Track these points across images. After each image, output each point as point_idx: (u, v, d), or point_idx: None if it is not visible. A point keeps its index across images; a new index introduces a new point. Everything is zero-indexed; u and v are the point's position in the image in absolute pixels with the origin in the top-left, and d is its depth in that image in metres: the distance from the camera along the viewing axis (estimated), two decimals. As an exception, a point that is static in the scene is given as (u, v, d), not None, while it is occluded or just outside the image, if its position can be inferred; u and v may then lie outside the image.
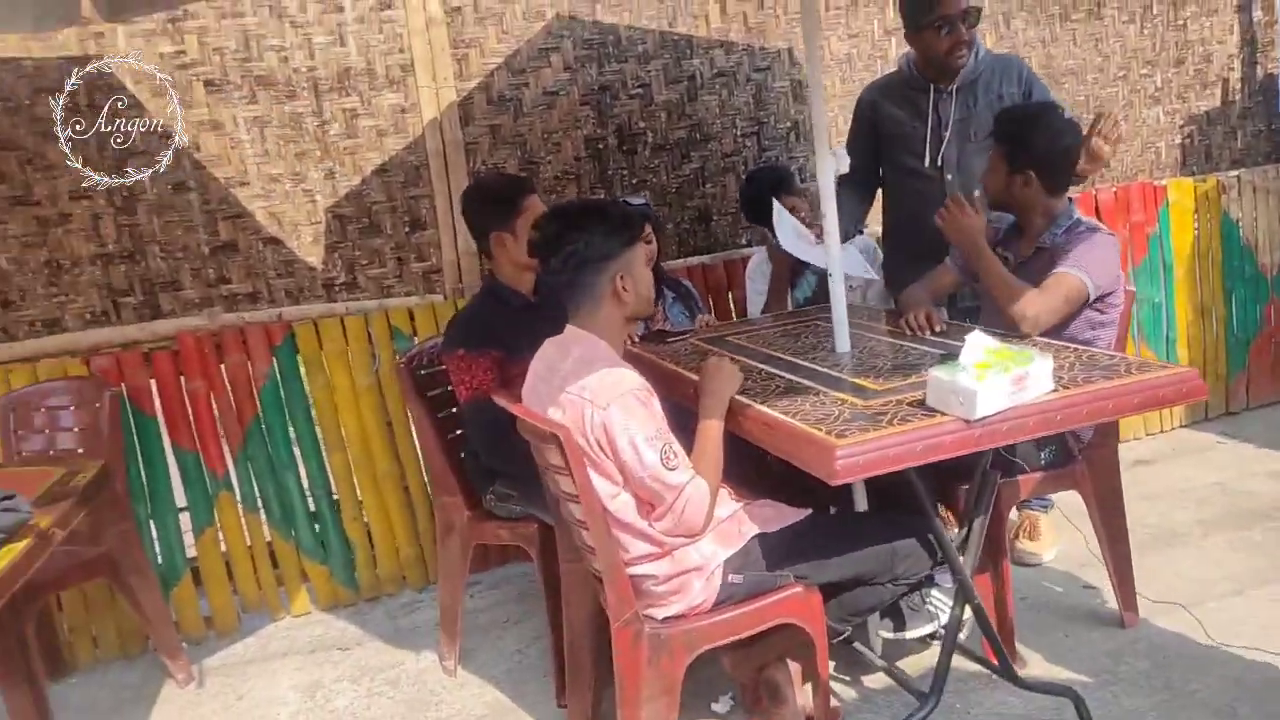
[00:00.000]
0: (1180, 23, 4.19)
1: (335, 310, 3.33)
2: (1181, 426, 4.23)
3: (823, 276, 3.26)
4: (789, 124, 3.78)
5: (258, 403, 3.26)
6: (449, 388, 2.73)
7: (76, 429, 2.98)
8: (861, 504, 2.41)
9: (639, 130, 3.61)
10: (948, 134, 3.02)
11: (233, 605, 3.34)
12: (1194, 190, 4.09)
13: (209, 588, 3.30)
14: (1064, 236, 2.48)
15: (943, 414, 1.81)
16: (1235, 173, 4.21)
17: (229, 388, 3.24)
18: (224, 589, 3.32)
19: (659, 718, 1.98)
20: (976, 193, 2.59)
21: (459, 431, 2.80)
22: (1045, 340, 2.32)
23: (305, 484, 3.39)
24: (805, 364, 2.34)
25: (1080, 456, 2.59)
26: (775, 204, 2.95)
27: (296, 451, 3.35)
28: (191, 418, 3.22)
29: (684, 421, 2.11)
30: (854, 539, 2.08)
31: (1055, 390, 1.88)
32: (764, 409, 1.99)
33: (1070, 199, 2.61)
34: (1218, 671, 2.44)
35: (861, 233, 3.36)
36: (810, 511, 2.12)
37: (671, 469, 1.91)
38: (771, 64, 3.71)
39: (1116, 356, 2.09)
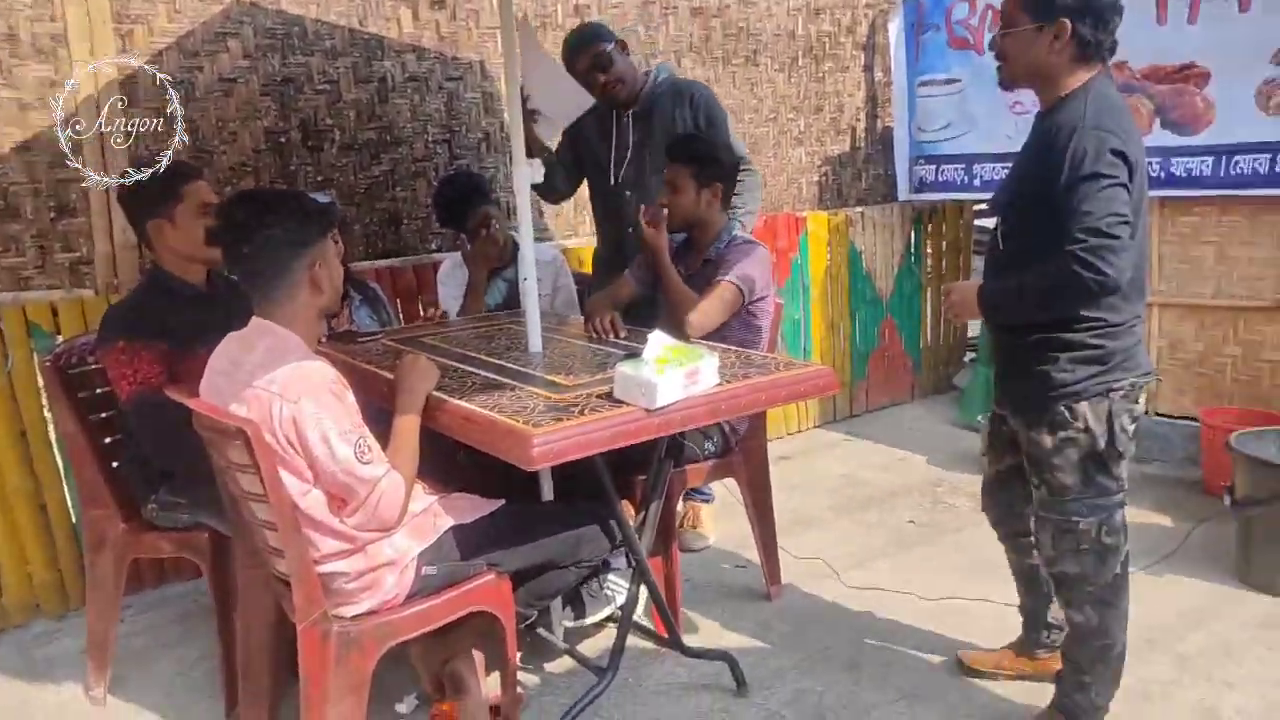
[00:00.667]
0: (820, 75, 4.82)
1: (-41, 302, 2.91)
2: (815, 426, 4.86)
3: (513, 283, 3.41)
4: (481, 134, 3.87)
5: None
6: (103, 388, 2.50)
7: None
8: (548, 494, 2.53)
9: (325, 127, 3.51)
10: (628, 155, 3.29)
11: None
12: (828, 222, 4.72)
13: None
14: (726, 250, 2.79)
15: (628, 404, 1.98)
16: (860, 209, 4.92)
17: None
18: None
19: (346, 718, 1.96)
20: (664, 211, 2.82)
21: (113, 438, 2.56)
22: (709, 343, 2.59)
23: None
24: (501, 362, 2.43)
25: (737, 448, 2.91)
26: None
27: (-98, 465, 2.88)
28: None
29: (381, 418, 2.11)
30: (542, 526, 2.20)
31: (720, 384, 2.12)
32: (462, 403, 2.05)
33: (729, 216, 2.95)
34: (846, 631, 2.85)
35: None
36: (504, 502, 2.21)
37: (366, 463, 1.91)
38: (464, 74, 3.78)
39: (769, 356, 2.40)
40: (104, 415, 2.59)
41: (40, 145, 3.00)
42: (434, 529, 2.08)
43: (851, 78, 4.94)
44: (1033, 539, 2.26)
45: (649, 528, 2.36)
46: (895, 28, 4.66)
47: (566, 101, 3.08)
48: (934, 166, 4.62)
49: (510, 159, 3.22)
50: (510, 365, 2.39)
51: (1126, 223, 1.88)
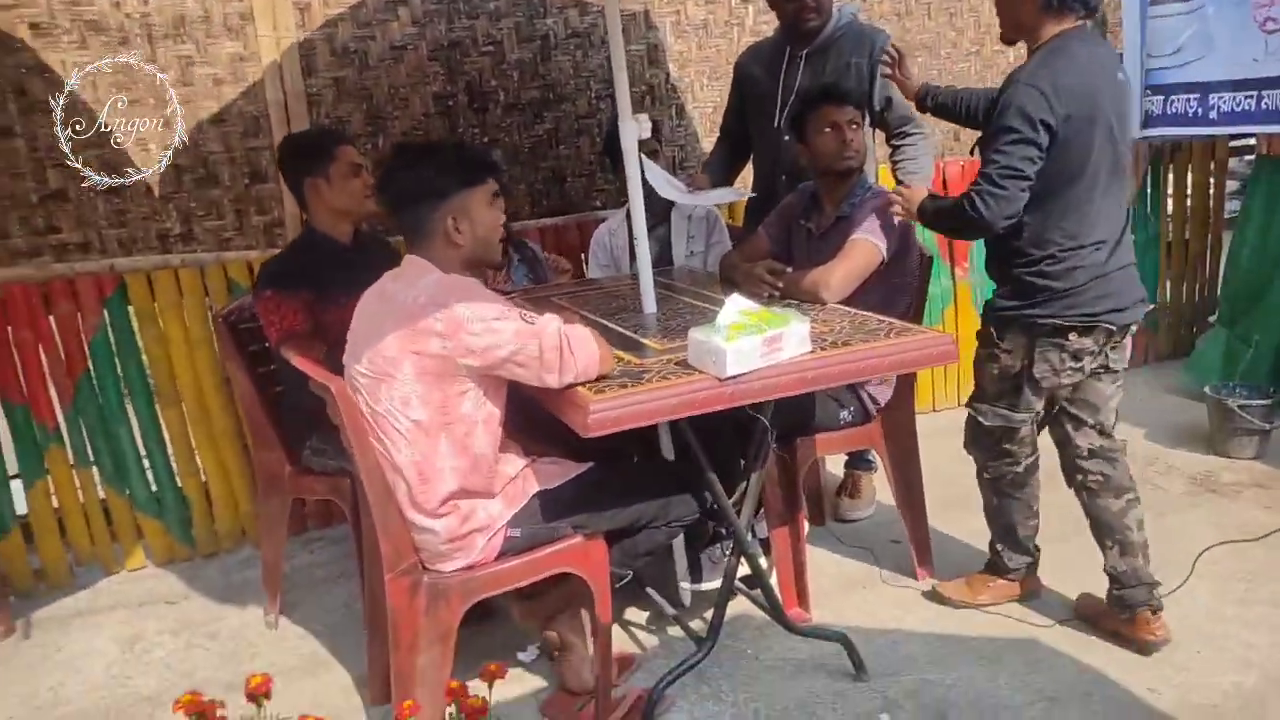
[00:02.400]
0: None
1: (170, 263, 3.27)
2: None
3: (665, 242, 3.35)
4: (645, 87, 3.81)
5: (88, 355, 3.21)
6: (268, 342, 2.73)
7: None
8: (668, 451, 2.47)
9: (490, 89, 3.60)
10: (793, 97, 3.10)
11: (65, 559, 3.30)
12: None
13: (40, 542, 3.25)
14: (861, 204, 2.57)
15: (700, 372, 1.88)
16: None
17: (58, 340, 3.17)
18: (55, 543, 3.27)
19: (434, 665, 2.03)
20: None
21: (279, 388, 2.80)
22: (838, 306, 2.41)
23: (139, 440, 3.35)
24: (608, 323, 2.40)
25: (878, 416, 2.70)
26: (644, 159, 3.00)
27: (129, 406, 3.31)
28: (20, 370, 3.15)
29: (529, 412, 2.12)
30: (631, 489, 2.15)
31: (813, 352, 1.96)
32: (541, 366, 2.04)
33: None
34: (991, 623, 2.59)
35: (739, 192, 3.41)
36: (591, 465, 2.18)
37: (535, 324, 1.90)
38: (627, 26, 3.72)
39: (884, 321, 2.19)
40: (272, 367, 2.83)
41: (233, 116, 3.29)
42: (523, 494, 2.09)
43: None
44: None
45: (749, 499, 2.25)
46: (1125, -60, 4.05)
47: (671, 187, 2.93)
48: (1162, 97, 3.99)
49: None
50: (615, 327, 2.35)
51: (1016, 176, 2.12)
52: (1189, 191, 4.60)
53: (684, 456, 2.41)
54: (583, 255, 3.71)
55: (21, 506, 3.25)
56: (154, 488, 3.38)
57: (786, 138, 3.11)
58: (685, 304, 2.60)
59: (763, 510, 2.58)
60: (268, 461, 2.83)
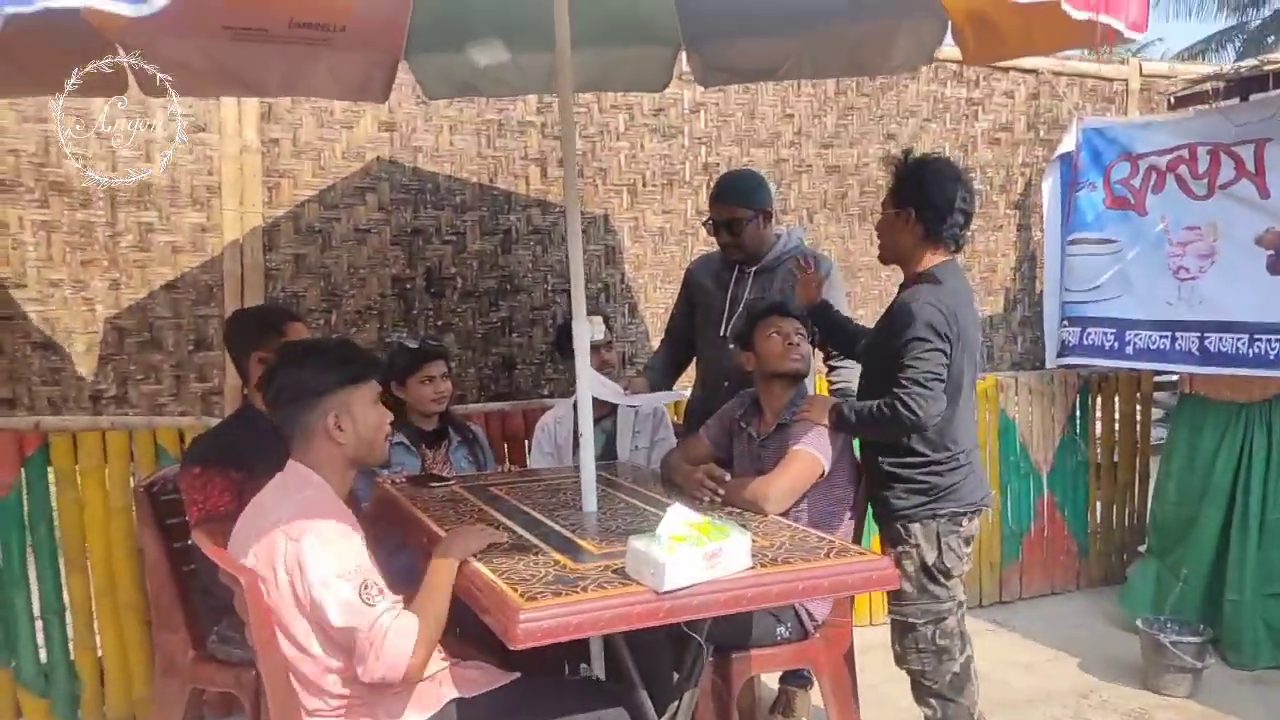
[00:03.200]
0: (969, 233, 4.59)
1: (99, 424, 3.17)
2: (958, 611, 4.37)
3: (611, 435, 3.35)
4: (600, 285, 3.92)
5: (-7, 513, 3.04)
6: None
7: None
8: (598, 660, 2.37)
9: (449, 275, 3.68)
10: (741, 309, 3.21)
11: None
12: (977, 386, 4.38)
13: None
14: (798, 411, 2.62)
15: (637, 583, 1.83)
16: (1013, 374, 4.56)
17: (-34, 496, 3.02)
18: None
19: None
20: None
21: (190, 566, 2.66)
22: (778, 519, 2.39)
23: (36, 608, 3.13)
24: (546, 521, 2.34)
25: (816, 633, 2.64)
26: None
27: (31, 569, 3.11)
28: (-81, 525, 2.97)
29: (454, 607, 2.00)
30: (556, 706, 2.03)
31: (753, 567, 1.93)
32: (476, 564, 1.97)
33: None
34: None
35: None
36: (518, 675, 2.07)
37: (369, 604, 1.82)
38: (587, 228, 3.88)
39: (824, 539, 2.17)
40: (189, 542, 2.69)
41: (187, 284, 3.30)
42: (437, 699, 1.97)
43: (1005, 237, 4.68)
44: None
45: (681, 717, 2.14)
46: (1050, 185, 4.39)
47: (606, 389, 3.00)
48: (1079, 329, 4.22)
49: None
50: (552, 524, 2.30)
51: (938, 379, 2.39)
52: (1116, 420, 4.79)
53: (615, 666, 2.31)
54: (526, 443, 3.69)
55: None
56: (43, 660, 3.13)
57: (731, 346, 3.20)
58: (626, 503, 2.56)
59: (694, 728, 2.45)
60: (170, 644, 2.64)
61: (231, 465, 2.47)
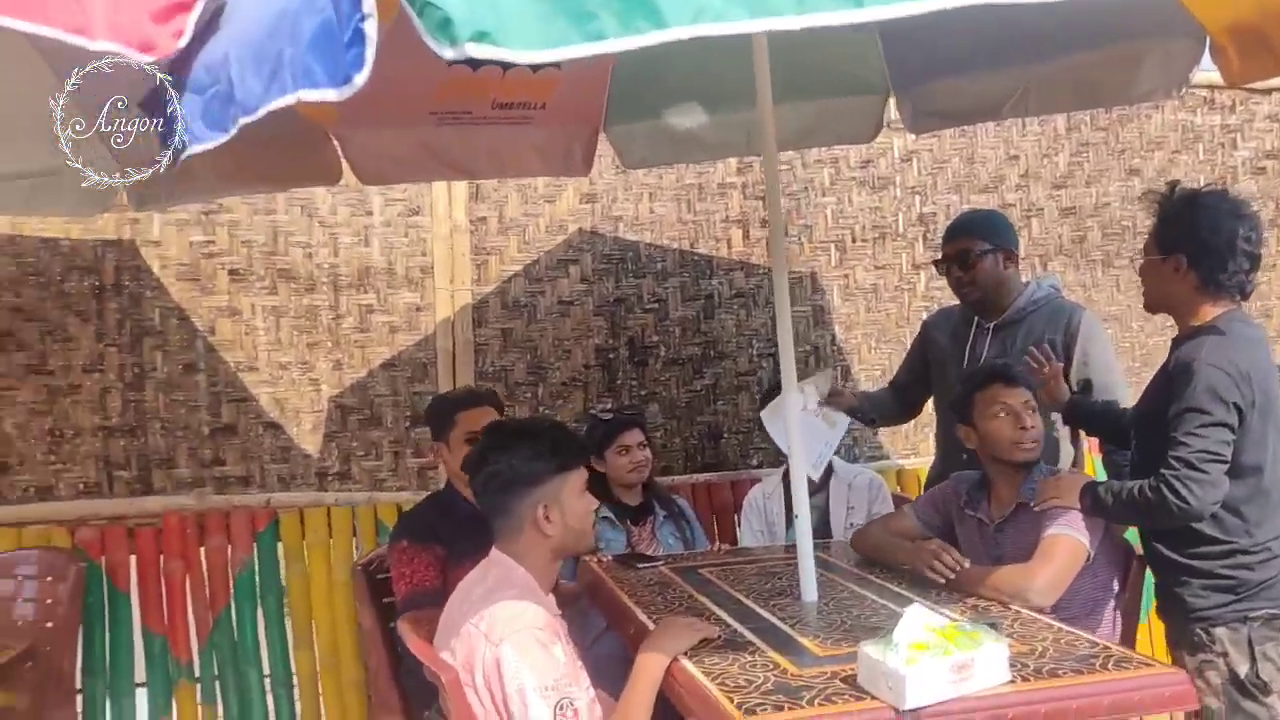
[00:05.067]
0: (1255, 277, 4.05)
1: (324, 500, 3.28)
2: None
3: (823, 510, 3.11)
4: (809, 347, 3.72)
5: (231, 590, 3.18)
6: (405, 595, 2.60)
7: (40, 601, 2.93)
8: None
9: (652, 343, 3.60)
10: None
11: (175, 800, 3.14)
12: None
13: (153, 781, 3.12)
14: (1040, 489, 2.28)
15: (872, 696, 1.59)
16: None
17: (205, 572, 3.17)
18: (169, 780, 3.13)
19: None
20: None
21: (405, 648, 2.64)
22: (1034, 616, 2.07)
23: (268, 683, 3.24)
24: (762, 612, 2.13)
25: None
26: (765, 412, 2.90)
27: (264, 645, 3.23)
28: (164, 600, 3.15)
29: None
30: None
31: (1012, 681, 1.64)
32: (686, 664, 1.80)
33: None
34: None
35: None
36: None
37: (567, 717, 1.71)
38: (793, 288, 3.69)
39: (1099, 644, 1.84)
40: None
41: (403, 361, 3.39)
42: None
43: (1278, 278, 4.08)
44: None
45: None
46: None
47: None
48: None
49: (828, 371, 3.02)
50: (770, 617, 2.09)
51: (1217, 460, 2.02)
52: None
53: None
54: (735, 516, 3.50)
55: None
56: (273, 734, 3.23)
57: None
58: (850, 591, 2.31)
59: None
60: (383, 726, 2.64)
61: (435, 540, 2.47)
